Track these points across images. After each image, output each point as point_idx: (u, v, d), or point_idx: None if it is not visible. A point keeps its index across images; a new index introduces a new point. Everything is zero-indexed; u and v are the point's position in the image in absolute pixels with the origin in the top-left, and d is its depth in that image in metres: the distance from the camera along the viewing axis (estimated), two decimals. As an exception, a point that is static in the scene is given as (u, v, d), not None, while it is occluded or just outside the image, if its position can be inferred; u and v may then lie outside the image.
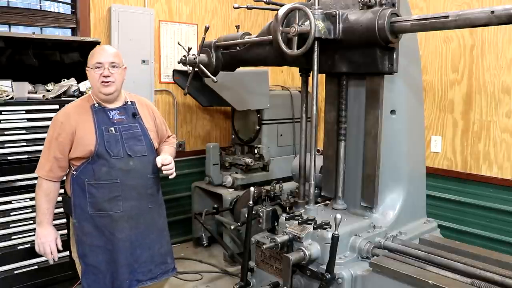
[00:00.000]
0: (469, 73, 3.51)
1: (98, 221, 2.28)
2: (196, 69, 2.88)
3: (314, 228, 2.02)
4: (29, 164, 2.88)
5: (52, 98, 3.11)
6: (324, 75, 2.40)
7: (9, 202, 2.92)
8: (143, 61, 3.87)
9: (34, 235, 2.91)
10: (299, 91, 3.49)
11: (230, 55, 2.82)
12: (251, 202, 2.37)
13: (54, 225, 2.38)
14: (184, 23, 4.32)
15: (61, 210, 2.48)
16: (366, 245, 2.09)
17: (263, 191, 3.14)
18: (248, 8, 2.88)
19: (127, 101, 2.43)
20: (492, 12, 1.68)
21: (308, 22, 2.07)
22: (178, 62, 2.94)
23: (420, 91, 2.55)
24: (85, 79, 3.39)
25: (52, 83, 3.28)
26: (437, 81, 3.70)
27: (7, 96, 2.91)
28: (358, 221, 2.23)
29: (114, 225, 2.29)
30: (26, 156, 2.94)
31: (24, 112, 2.94)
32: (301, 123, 2.57)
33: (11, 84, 2.97)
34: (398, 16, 2.01)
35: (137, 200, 2.35)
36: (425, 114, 3.26)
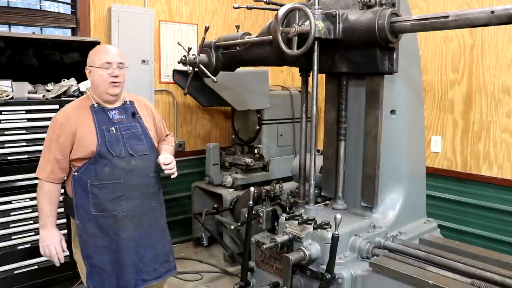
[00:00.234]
0: (469, 73, 3.51)
1: (101, 221, 2.27)
2: (196, 69, 2.88)
3: (314, 228, 2.02)
4: (29, 164, 2.88)
5: (52, 98, 3.11)
6: (324, 75, 2.40)
7: (9, 202, 2.92)
8: (143, 61, 3.87)
9: (34, 235, 2.93)
10: (299, 91, 3.49)
11: (230, 55, 2.82)
12: (251, 202, 2.37)
13: (55, 226, 2.38)
14: (184, 23, 4.32)
15: (60, 210, 2.47)
16: (366, 245, 2.09)
17: (263, 191, 3.14)
18: (248, 8, 2.88)
19: (126, 101, 2.43)
20: (492, 12, 1.68)
21: (308, 22, 2.07)
22: (178, 62, 2.94)
23: (420, 91, 2.55)
24: (85, 79, 3.40)
25: (52, 83, 3.27)
26: (437, 81, 3.70)
27: (7, 96, 2.91)
28: (358, 221, 2.23)
29: (118, 225, 2.29)
30: (26, 156, 2.93)
31: (24, 112, 2.94)
32: (301, 123, 2.57)
33: (11, 84, 2.97)
34: (398, 16, 2.01)
35: (140, 199, 2.35)
36: (425, 114, 3.26)
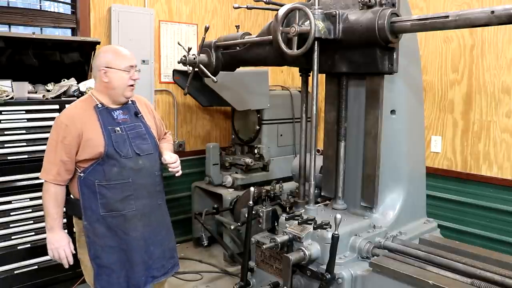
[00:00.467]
0: (469, 73, 3.51)
1: (110, 221, 2.27)
2: (196, 69, 2.88)
3: (314, 228, 2.02)
4: (29, 164, 2.89)
5: (52, 98, 3.11)
6: (324, 75, 2.40)
7: (9, 202, 2.92)
8: (143, 61, 3.87)
9: (34, 235, 2.94)
10: (299, 91, 3.48)
11: (230, 55, 2.82)
12: (251, 202, 2.37)
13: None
14: (184, 23, 4.32)
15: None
16: (366, 245, 2.09)
17: (263, 191, 3.14)
18: (248, 8, 2.88)
19: (128, 101, 2.43)
20: (492, 12, 1.68)
21: (308, 22, 2.07)
22: (178, 62, 2.94)
23: (420, 91, 2.55)
24: (85, 79, 3.40)
25: (52, 83, 3.28)
26: (437, 81, 3.70)
27: (7, 96, 2.91)
28: (358, 221, 2.23)
29: (127, 224, 2.29)
30: (26, 156, 2.93)
31: (24, 112, 2.94)
32: (301, 123, 2.57)
33: (11, 84, 2.97)
34: (398, 16, 2.01)
35: (148, 198, 2.37)
36: (425, 114, 3.27)
